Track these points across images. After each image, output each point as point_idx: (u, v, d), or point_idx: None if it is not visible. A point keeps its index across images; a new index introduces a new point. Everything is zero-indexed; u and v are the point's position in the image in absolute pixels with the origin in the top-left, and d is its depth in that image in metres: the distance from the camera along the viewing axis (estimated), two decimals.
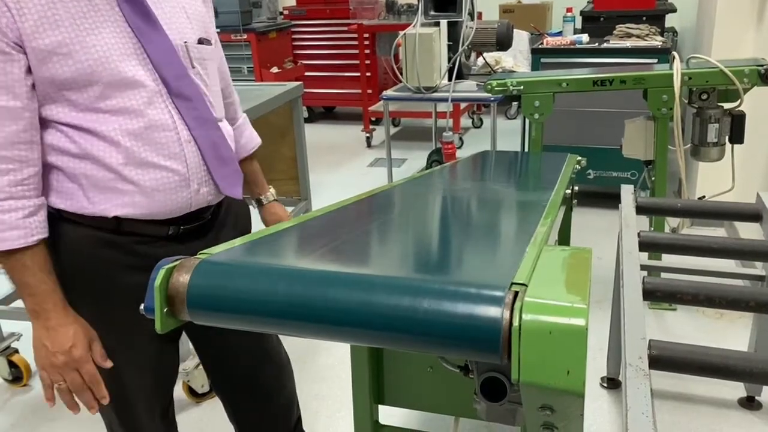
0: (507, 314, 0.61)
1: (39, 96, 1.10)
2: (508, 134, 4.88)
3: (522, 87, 2.57)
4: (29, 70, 1.07)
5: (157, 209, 1.18)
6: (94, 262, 1.19)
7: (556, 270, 0.71)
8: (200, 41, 1.25)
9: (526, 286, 0.65)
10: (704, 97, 2.49)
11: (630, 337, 1.37)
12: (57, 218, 1.18)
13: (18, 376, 2.46)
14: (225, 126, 1.34)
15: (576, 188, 2.20)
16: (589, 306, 0.61)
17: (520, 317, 0.60)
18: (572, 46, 3.59)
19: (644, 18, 3.83)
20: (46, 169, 1.15)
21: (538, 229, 0.95)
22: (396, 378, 1.26)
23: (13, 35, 1.04)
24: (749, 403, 2.15)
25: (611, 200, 2.16)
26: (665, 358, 1.38)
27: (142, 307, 0.72)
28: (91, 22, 1.09)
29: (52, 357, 1.14)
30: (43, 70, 1.07)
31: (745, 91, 2.41)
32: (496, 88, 2.60)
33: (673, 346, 1.43)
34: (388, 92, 3.45)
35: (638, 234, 1.90)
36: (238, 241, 0.84)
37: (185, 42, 1.21)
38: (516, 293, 0.64)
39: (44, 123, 1.14)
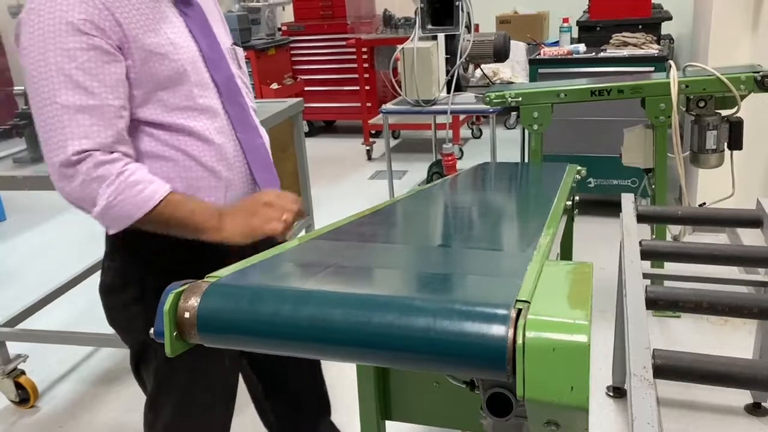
0: (511, 332, 0.62)
1: (136, 100, 1.18)
2: (507, 144, 4.90)
3: (520, 98, 2.59)
4: (125, 76, 1.15)
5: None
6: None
7: (558, 286, 0.72)
8: (234, 44, 1.38)
9: (529, 303, 0.67)
10: (702, 104, 2.51)
11: (634, 347, 1.38)
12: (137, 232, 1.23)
13: (25, 397, 2.46)
14: (262, 130, 1.41)
15: (577, 198, 2.21)
16: (591, 321, 0.62)
17: (524, 335, 0.61)
18: (569, 56, 3.61)
19: (640, 26, 3.85)
20: None
21: (539, 244, 0.97)
22: (402, 393, 1.27)
23: (116, 38, 1.12)
24: (756, 409, 2.15)
25: (613, 208, 2.17)
26: (669, 367, 1.39)
27: (152, 331, 0.73)
28: (171, 29, 1.20)
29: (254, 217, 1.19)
30: (145, 69, 1.16)
31: (742, 97, 2.43)
32: (494, 101, 2.62)
33: (677, 355, 1.44)
34: (388, 106, 3.47)
35: (640, 243, 1.91)
36: (245, 263, 0.85)
37: (231, 45, 1.35)
38: (519, 310, 0.65)
39: (137, 129, 1.20)
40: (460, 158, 5.21)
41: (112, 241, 1.33)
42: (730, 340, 2.53)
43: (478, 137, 5.93)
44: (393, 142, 6.02)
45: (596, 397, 2.33)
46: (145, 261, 1.29)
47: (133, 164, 1.15)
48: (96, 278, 3.13)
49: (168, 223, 1.16)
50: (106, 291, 1.39)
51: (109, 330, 3.16)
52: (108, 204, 1.11)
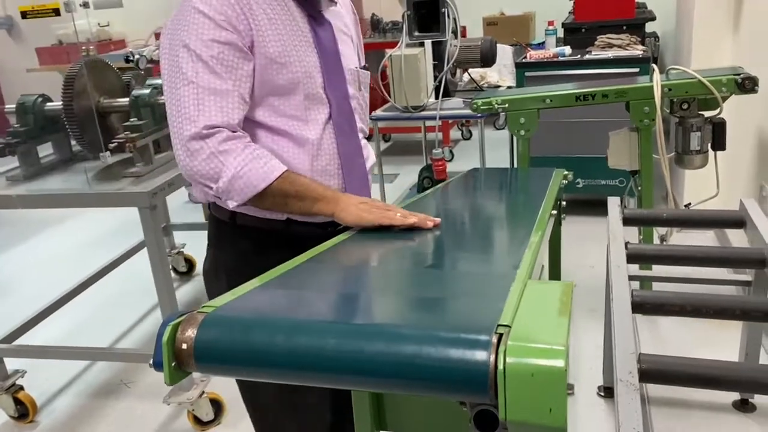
0: (492, 358, 0.66)
1: (253, 100, 1.27)
2: (497, 144, 4.92)
3: (507, 105, 2.62)
4: (252, 74, 1.25)
5: None
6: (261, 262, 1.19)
7: (538, 308, 0.76)
8: (363, 68, 1.46)
9: (510, 327, 0.70)
10: (685, 106, 2.55)
11: (620, 352, 1.42)
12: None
13: (24, 413, 2.48)
14: (365, 144, 1.49)
15: (564, 204, 2.25)
16: (569, 346, 0.66)
17: (504, 361, 0.65)
18: (555, 59, 3.65)
19: (624, 27, 3.90)
20: None
21: (523, 261, 1.00)
22: (396, 404, 1.30)
23: (248, 40, 1.23)
24: (743, 405, 2.19)
25: (601, 207, 2.22)
26: (655, 372, 1.42)
27: (151, 362, 0.76)
28: (298, 41, 1.29)
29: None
30: (264, 74, 1.26)
31: (724, 99, 2.47)
32: (481, 107, 2.66)
33: (662, 359, 1.48)
34: (377, 112, 3.50)
35: (626, 246, 1.95)
36: (240, 290, 0.88)
37: (356, 67, 1.42)
38: (500, 335, 0.69)
39: (246, 128, 1.29)
40: (450, 160, 5.24)
41: (209, 230, 1.47)
42: (719, 337, 2.57)
43: (468, 138, 5.97)
44: (384, 146, 6.05)
45: (587, 397, 2.37)
46: (234, 253, 1.40)
47: (255, 143, 1.25)
48: (91, 292, 3.15)
49: (287, 195, 1.23)
50: (204, 276, 1.50)
51: (105, 344, 3.20)
52: (235, 174, 1.20)
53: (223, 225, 1.40)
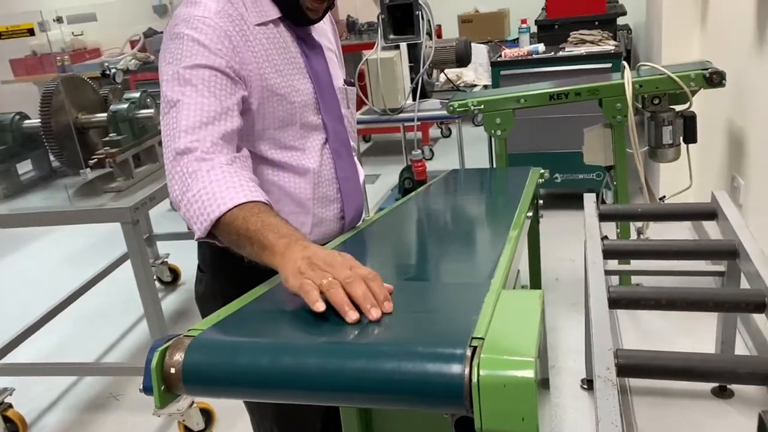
0: (467, 371, 0.69)
1: (251, 134, 1.25)
2: (476, 141, 4.96)
3: (482, 106, 2.67)
4: (240, 105, 1.19)
5: (317, 239, 1.31)
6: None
7: (510, 319, 0.80)
8: (347, 83, 1.43)
9: (484, 339, 0.74)
10: (656, 101, 2.61)
11: (597, 349, 1.46)
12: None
13: (14, 430, 2.49)
14: (360, 170, 1.49)
15: (541, 201, 2.30)
16: (538, 357, 0.69)
17: (478, 373, 0.68)
18: (529, 57, 3.70)
19: (596, 23, 3.95)
20: None
21: (497, 270, 1.04)
22: (385, 415, 1.33)
23: (243, 73, 1.20)
24: (722, 392, 2.26)
25: (580, 201, 2.27)
26: (632, 366, 1.47)
27: (141, 387, 0.79)
28: (293, 70, 1.27)
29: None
30: (265, 107, 1.24)
31: (693, 93, 2.53)
32: (458, 109, 2.70)
33: (639, 354, 1.52)
34: (356, 115, 3.53)
35: (602, 241, 2.00)
36: (225, 312, 0.91)
37: (343, 84, 1.39)
38: (474, 348, 0.72)
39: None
40: (430, 159, 5.28)
41: (204, 256, 1.41)
42: (699, 325, 2.63)
43: (448, 136, 6.01)
44: (364, 146, 6.08)
45: (572, 389, 2.42)
46: (225, 276, 1.35)
47: (230, 166, 1.10)
48: (78, 305, 3.15)
49: (238, 233, 1.02)
50: (197, 299, 1.46)
51: (93, 357, 3.20)
52: (191, 198, 1.06)
53: (225, 254, 1.21)
